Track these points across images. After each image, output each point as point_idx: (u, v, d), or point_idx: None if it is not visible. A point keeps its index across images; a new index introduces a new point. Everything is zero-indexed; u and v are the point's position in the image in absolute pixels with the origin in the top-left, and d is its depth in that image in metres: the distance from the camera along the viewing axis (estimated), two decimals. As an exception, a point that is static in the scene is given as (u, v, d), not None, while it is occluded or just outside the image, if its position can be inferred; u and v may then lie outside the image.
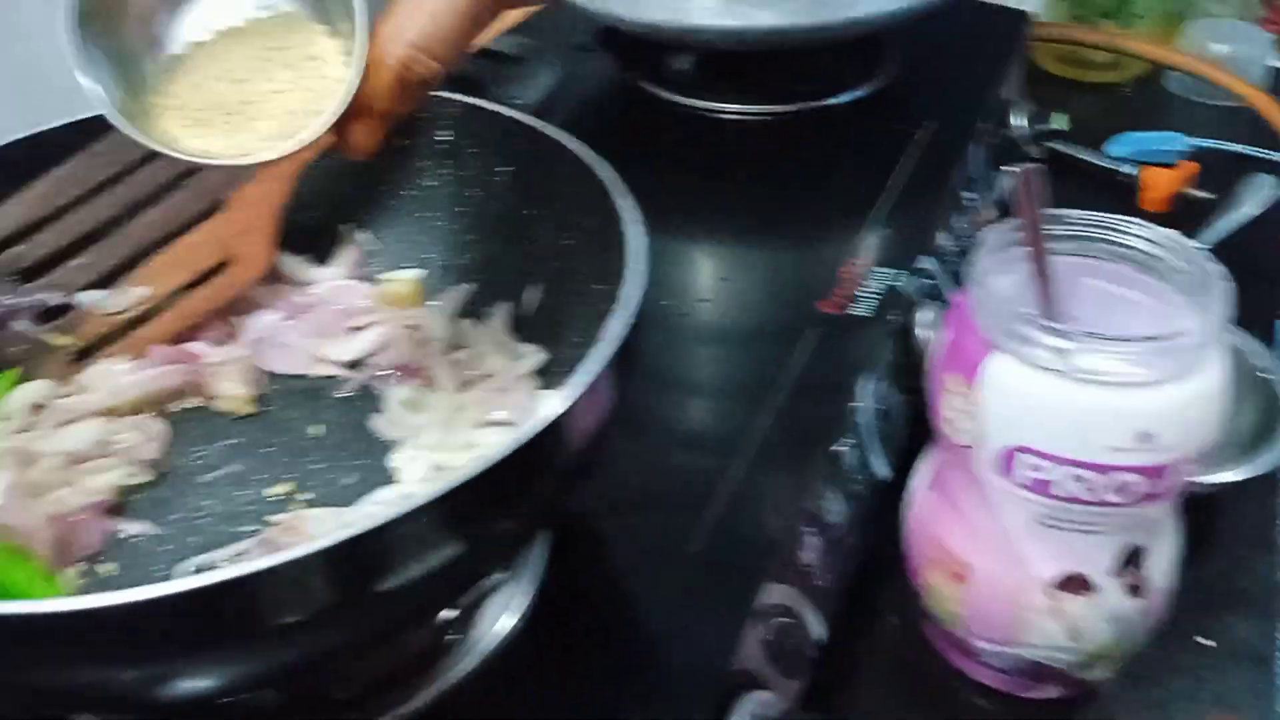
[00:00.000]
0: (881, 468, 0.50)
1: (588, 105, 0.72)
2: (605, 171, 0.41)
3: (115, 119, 0.34)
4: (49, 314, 0.44)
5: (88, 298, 0.45)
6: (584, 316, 0.45)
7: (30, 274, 0.44)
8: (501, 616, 0.39)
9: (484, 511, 0.31)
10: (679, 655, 0.38)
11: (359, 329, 0.48)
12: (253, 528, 0.40)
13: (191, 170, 0.45)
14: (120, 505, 0.41)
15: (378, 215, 0.51)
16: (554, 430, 0.31)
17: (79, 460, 0.41)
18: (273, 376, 0.47)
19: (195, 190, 0.45)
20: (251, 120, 0.35)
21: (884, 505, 0.48)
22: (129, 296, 0.45)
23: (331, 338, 0.47)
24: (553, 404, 0.30)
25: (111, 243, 0.45)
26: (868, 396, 0.49)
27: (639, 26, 0.64)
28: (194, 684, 0.30)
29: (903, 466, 0.48)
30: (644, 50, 0.70)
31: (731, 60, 0.69)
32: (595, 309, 0.44)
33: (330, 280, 0.49)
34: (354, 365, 0.47)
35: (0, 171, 0.45)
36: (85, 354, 0.45)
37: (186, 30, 0.36)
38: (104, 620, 0.26)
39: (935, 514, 0.43)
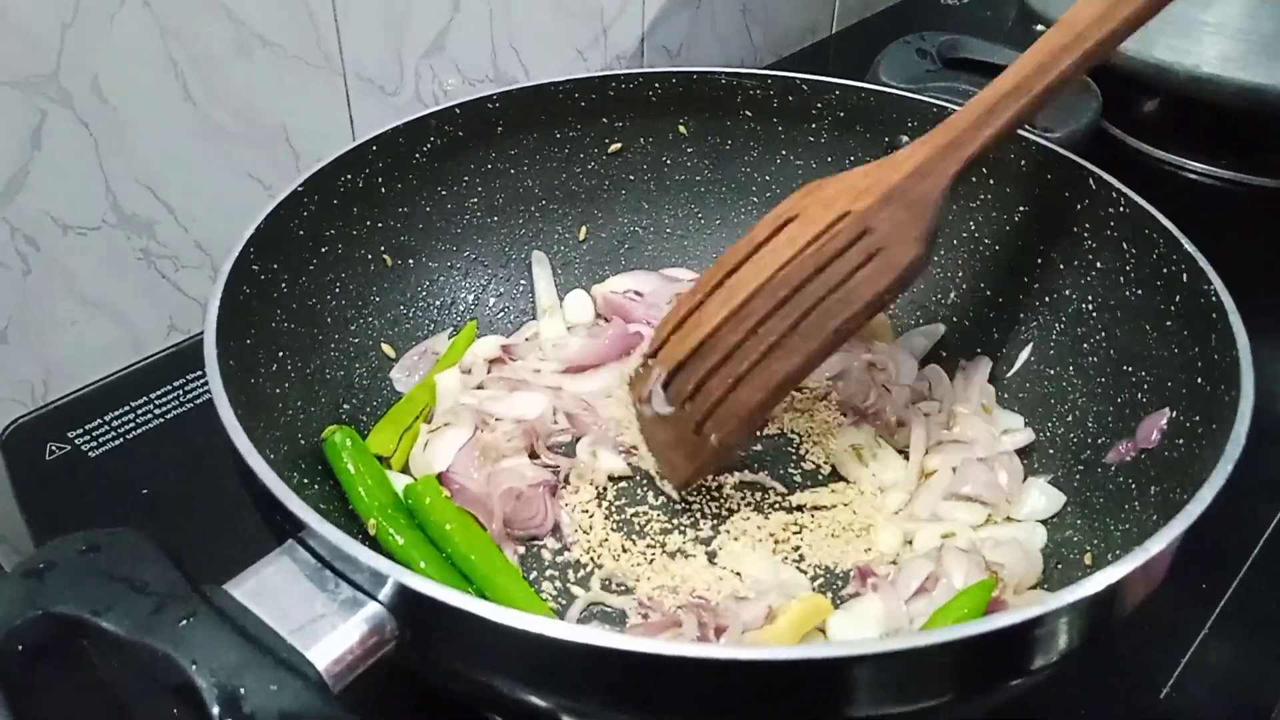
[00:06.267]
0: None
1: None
2: (1187, 244, 0.35)
3: None
4: None
5: None
6: (1088, 398, 0.39)
7: None
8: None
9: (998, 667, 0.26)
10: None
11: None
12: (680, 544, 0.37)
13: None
14: (559, 489, 0.39)
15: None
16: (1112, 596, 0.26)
17: (530, 431, 0.39)
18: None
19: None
20: None
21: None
22: None
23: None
24: (1115, 571, 0.25)
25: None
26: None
27: (1142, 64, 0.56)
28: None
29: None
30: (1115, 89, 0.62)
31: (1221, 115, 0.60)
32: (1110, 397, 0.38)
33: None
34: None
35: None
36: None
37: None
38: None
39: None
